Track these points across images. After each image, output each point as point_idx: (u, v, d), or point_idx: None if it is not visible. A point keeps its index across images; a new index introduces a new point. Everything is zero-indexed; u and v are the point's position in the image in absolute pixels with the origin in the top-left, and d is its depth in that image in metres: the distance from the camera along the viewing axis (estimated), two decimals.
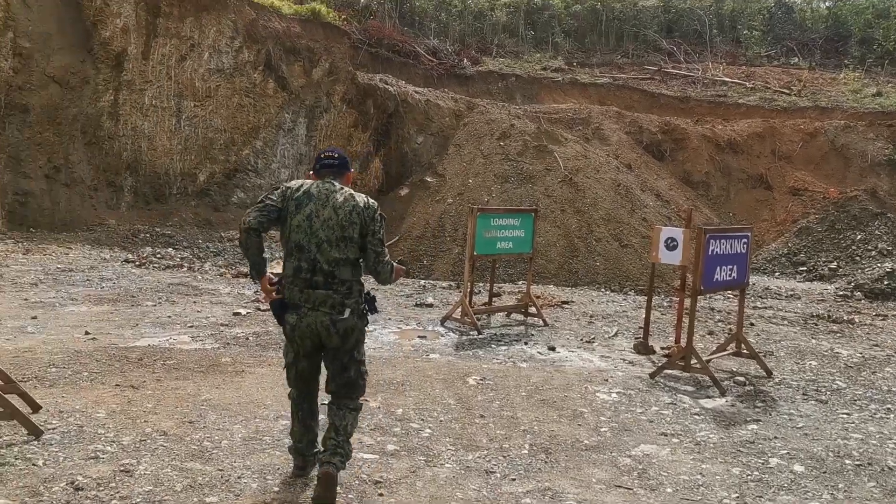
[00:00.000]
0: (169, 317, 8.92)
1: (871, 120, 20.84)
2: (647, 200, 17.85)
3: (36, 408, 5.21)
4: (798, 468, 5.21)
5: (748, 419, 6.27)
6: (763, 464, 5.27)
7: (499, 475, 4.77)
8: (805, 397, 7.05)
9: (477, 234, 9.53)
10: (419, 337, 8.91)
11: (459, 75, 24.41)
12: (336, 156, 4.54)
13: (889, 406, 6.87)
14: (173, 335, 8.02)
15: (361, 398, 4.49)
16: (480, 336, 9.18)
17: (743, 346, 8.00)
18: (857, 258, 13.29)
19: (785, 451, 5.54)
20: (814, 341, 9.77)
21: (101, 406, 5.49)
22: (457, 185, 17.62)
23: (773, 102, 23.36)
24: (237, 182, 17.35)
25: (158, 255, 13.28)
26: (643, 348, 8.52)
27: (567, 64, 26.90)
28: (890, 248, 13.33)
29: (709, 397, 6.90)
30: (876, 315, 11.84)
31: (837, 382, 7.65)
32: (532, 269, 11.25)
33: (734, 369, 7.98)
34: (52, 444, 4.69)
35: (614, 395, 6.78)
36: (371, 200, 4.43)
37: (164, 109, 16.23)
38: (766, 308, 12.28)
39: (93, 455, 4.58)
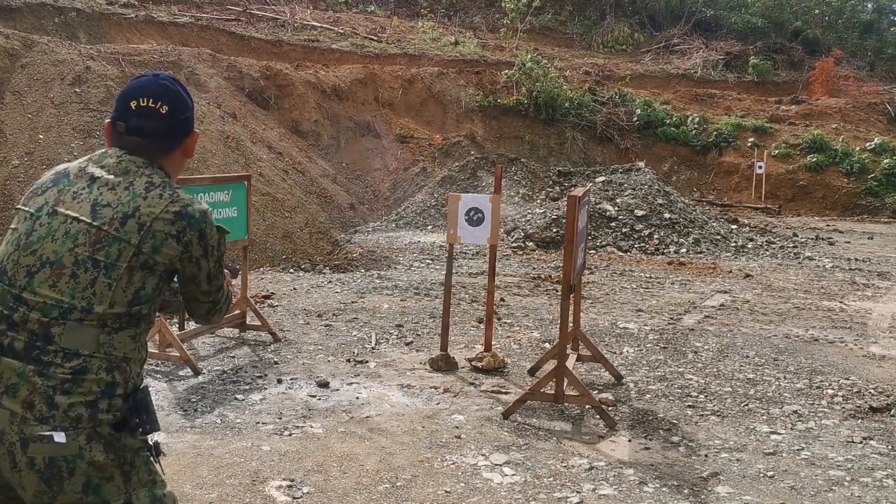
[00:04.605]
0: None
1: (459, 67, 21.73)
2: (259, 153, 16.17)
3: None
4: None
5: (698, 473, 4.47)
6: None
7: None
8: (697, 412, 5.46)
9: None
10: None
11: (3, 7, 19.69)
12: (156, 105, 2.12)
13: (786, 406, 5.61)
14: None
15: None
16: (203, 379, 5.88)
17: (582, 345, 6.14)
18: (503, 204, 13.36)
19: None
20: (581, 314, 8.27)
21: None
22: (23, 142, 13.90)
23: (365, 49, 23.14)
24: None
25: None
26: (444, 363, 6.39)
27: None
28: (530, 192, 13.73)
29: (601, 436, 4.98)
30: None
31: (689, 377, 6.23)
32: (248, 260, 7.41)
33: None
34: None
35: (505, 469, 4.41)
36: (199, 206, 2.17)
37: None
38: (477, 273, 10.50)
39: None
